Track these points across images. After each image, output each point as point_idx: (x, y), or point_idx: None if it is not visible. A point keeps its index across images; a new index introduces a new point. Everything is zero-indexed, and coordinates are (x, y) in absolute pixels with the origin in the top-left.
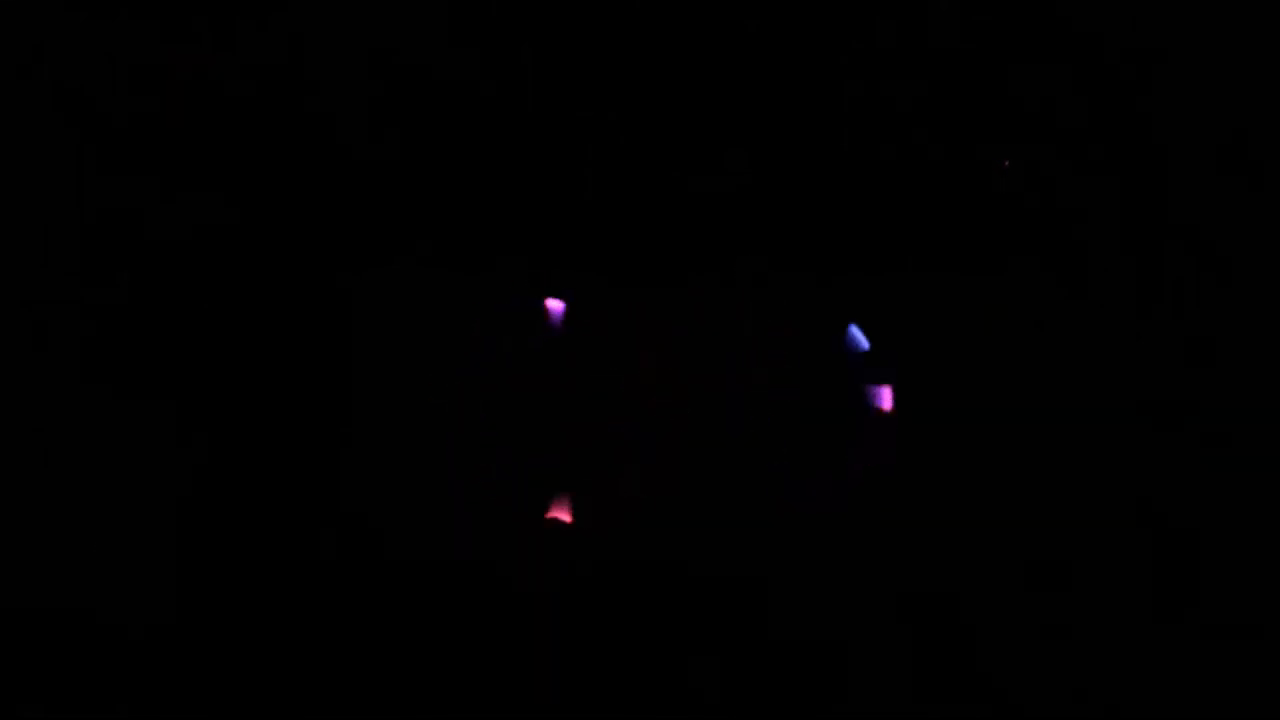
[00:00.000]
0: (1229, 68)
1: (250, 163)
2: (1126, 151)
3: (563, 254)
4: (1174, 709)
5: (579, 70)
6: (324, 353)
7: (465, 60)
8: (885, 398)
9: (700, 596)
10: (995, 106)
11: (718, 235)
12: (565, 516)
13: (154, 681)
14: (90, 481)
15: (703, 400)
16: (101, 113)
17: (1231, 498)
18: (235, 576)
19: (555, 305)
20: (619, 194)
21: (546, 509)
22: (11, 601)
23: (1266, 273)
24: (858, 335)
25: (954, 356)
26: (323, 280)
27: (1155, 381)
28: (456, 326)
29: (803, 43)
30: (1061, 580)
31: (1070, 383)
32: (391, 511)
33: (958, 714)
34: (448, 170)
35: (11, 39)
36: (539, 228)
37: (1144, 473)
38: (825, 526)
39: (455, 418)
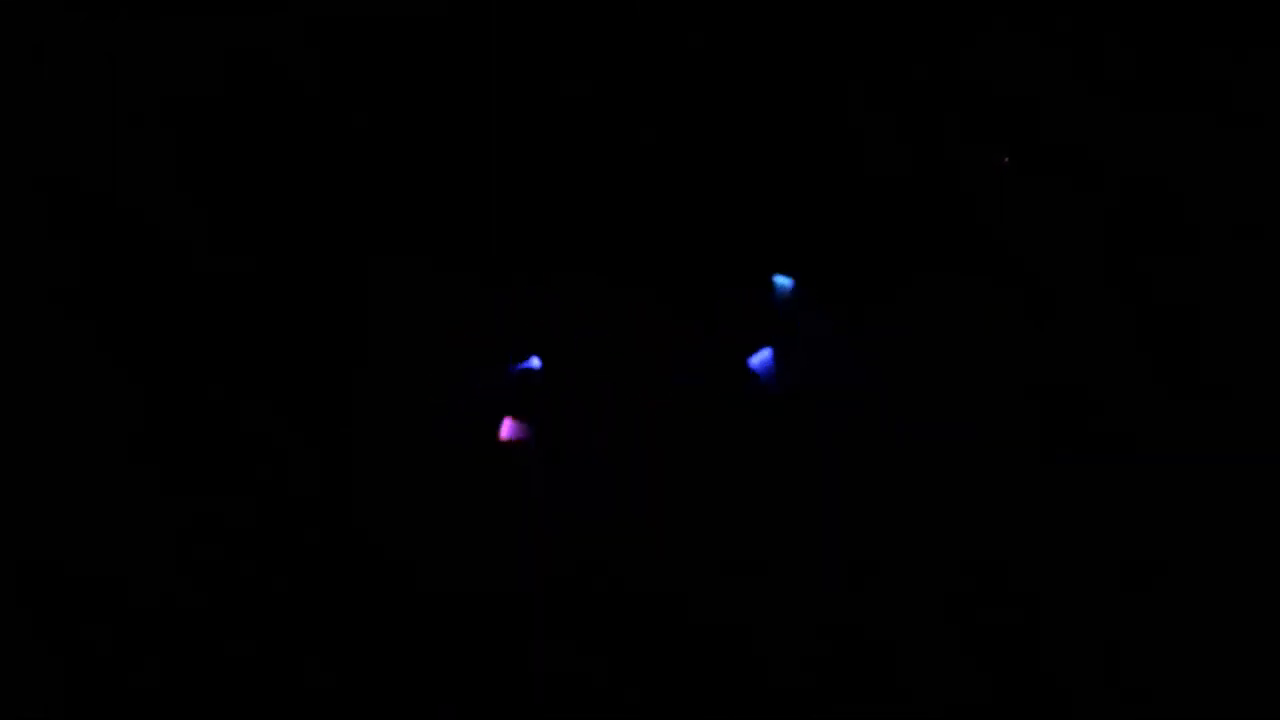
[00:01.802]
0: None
1: (250, 161)
2: (1124, 155)
3: (562, 254)
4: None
5: (581, 71)
6: (325, 353)
7: (465, 59)
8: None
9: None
10: (995, 104)
11: (716, 235)
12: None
13: (155, 681)
14: (89, 481)
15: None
16: (103, 112)
17: (1225, 496)
18: (236, 578)
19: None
20: (618, 194)
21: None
22: (13, 602)
23: (1259, 275)
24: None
25: (951, 354)
26: (323, 280)
27: (1150, 379)
28: (458, 327)
29: (800, 43)
30: (1055, 577)
31: (1066, 379)
32: (395, 517)
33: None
34: (448, 170)
35: (11, 38)
36: (539, 228)
37: (1137, 470)
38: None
39: (457, 419)
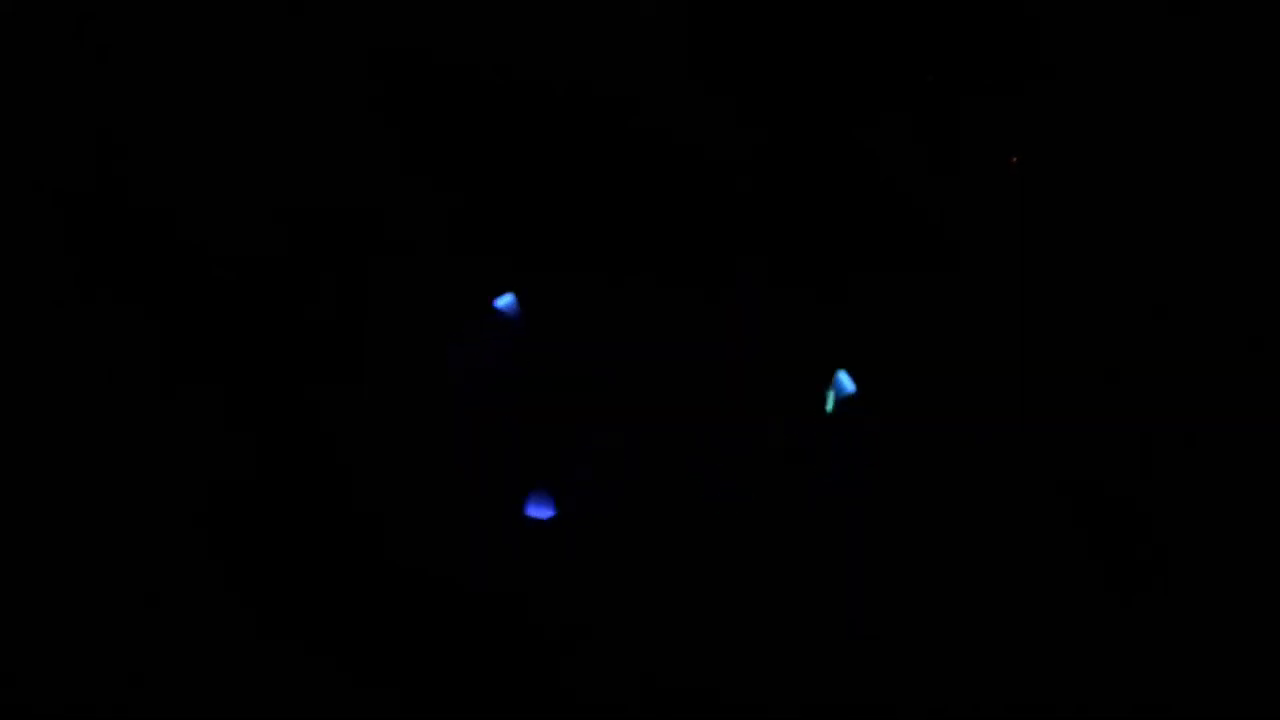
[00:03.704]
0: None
1: (255, 160)
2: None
3: (563, 254)
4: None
5: (582, 70)
6: (328, 353)
7: (467, 60)
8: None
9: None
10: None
11: (713, 235)
12: None
13: (157, 682)
14: (86, 482)
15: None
16: (115, 111)
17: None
18: (240, 579)
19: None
20: (618, 194)
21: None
22: (18, 601)
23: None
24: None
25: (943, 352)
26: (327, 280)
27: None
28: (462, 326)
29: (797, 43)
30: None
31: (1054, 375)
32: (400, 514)
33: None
34: (448, 169)
35: (17, 37)
36: (538, 227)
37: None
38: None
39: (461, 417)
